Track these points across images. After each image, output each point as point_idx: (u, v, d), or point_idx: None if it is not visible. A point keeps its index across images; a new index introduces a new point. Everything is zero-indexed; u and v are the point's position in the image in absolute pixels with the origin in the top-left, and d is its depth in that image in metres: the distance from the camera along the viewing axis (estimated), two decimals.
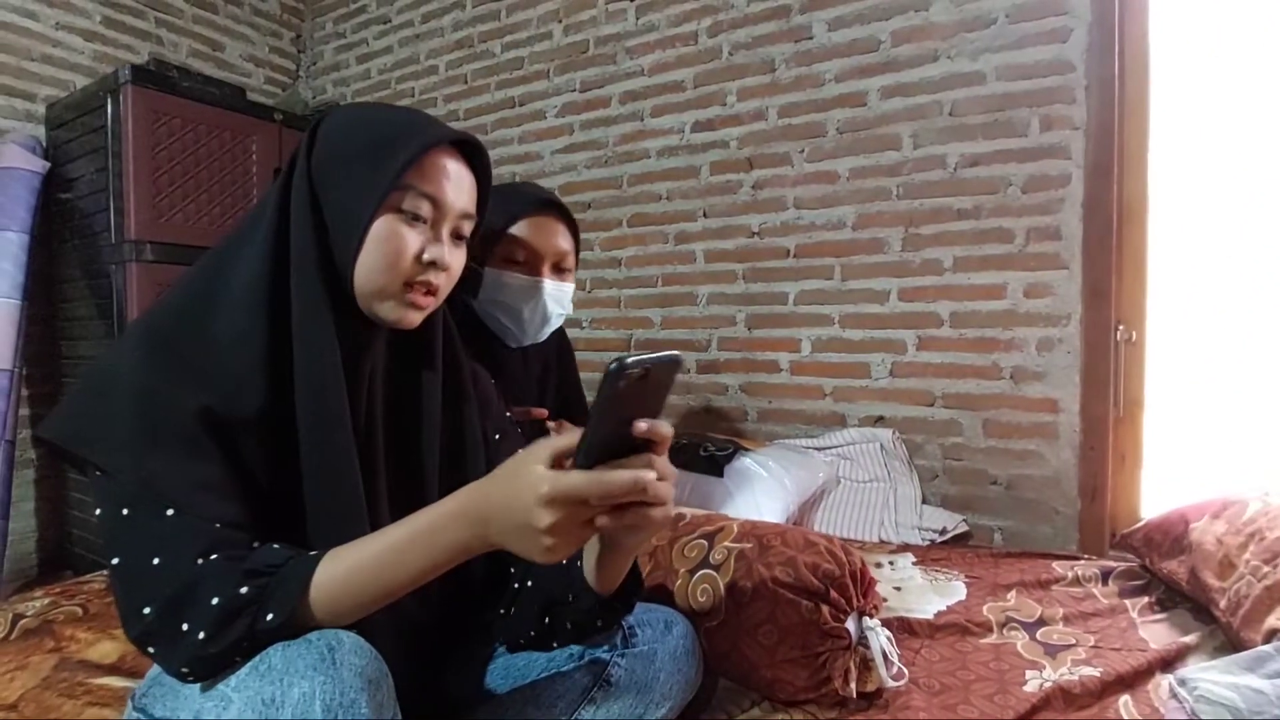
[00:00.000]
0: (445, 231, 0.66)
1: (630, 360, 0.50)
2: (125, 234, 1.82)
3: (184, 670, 0.54)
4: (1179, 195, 1.55)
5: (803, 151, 1.86)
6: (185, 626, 0.52)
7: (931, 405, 1.72)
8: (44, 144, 2.08)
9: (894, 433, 1.74)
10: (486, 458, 0.77)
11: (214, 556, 0.54)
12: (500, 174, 2.32)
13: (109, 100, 1.83)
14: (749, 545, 0.92)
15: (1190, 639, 1.00)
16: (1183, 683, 0.84)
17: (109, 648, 0.99)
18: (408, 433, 0.71)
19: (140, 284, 1.83)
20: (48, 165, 2.00)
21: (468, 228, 0.69)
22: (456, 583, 0.71)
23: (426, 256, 0.63)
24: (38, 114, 2.12)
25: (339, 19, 2.76)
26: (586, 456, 0.52)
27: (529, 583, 0.73)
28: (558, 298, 1.09)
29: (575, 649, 0.75)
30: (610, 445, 0.53)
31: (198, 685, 0.56)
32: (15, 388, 1.90)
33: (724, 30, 1.96)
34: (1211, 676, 0.81)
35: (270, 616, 0.53)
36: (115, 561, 0.56)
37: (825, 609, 0.84)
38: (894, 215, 1.75)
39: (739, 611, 0.87)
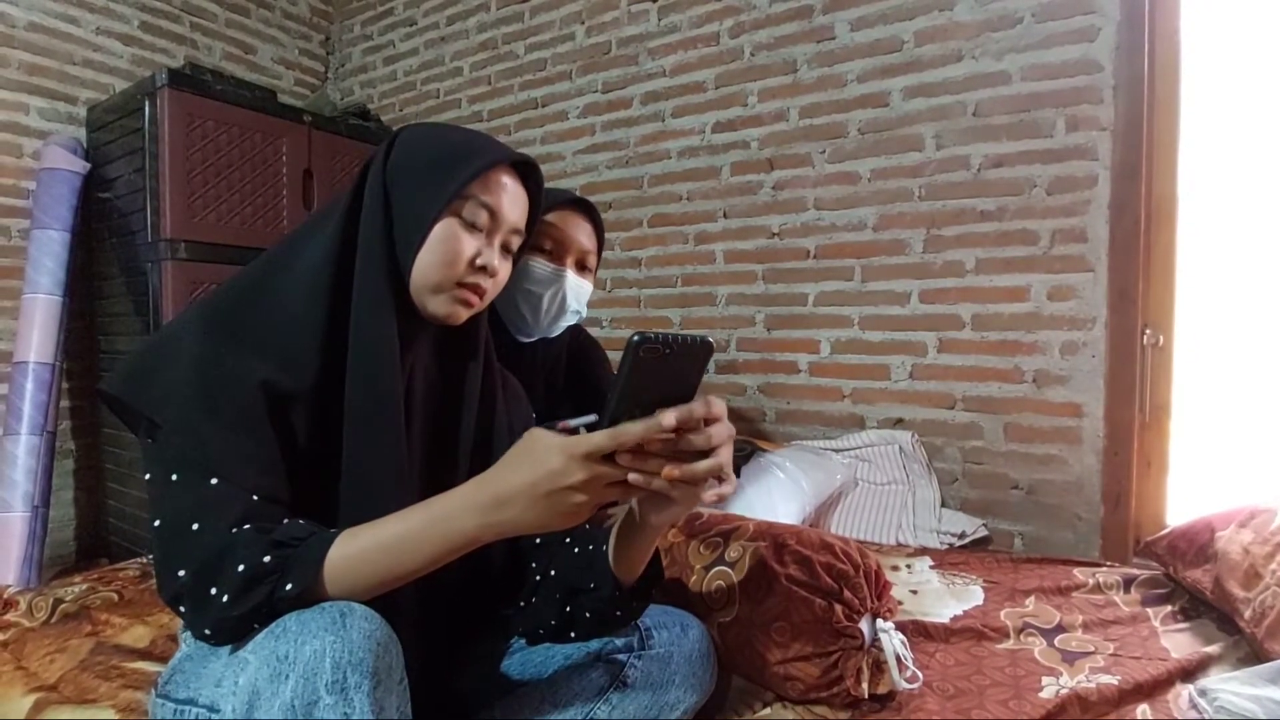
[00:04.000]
0: (498, 242, 0.71)
1: (652, 334, 0.50)
2: (161, 233, 1.88)
3: (207, 631, 0.57)
4: (1210, 196, 1.52)
5: (824, 152, 1.85)
6: (213, 590, 0.56)
7: (952, 408, 1.71)
8: (84, 145, 2.15)
9: (913, 435, 1.73)
10: None
11: (246, 526, 0.57)
12: None
13: (146, 103, 1.89)
14: (764, 544, 0.93)
15: (1213, 649, 0.98)
16: (1203, 693, 0.83)
17: (142, 632, 1.03)
18: (444, 424, 0.75)
19: (175, 281, 1.88)
20: (88, 166, 2.07)
21: (516, 242, 0.75)
22: (474, 575, 0.74)
23: (480, 261, 0.69)
24: (79, 116, 2.19)
25: (366, 21, 2.81)
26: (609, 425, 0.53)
27: (551, 572, 0.75)
28: (577, 293, 1.10)
29: (593, 648, 0.76)
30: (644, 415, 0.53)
31: (215, 664, 0.59)
32: (57, 381, 1.97)
33: (746, 31, 1.96)
34: (1232, 687, 0.80)
35: (289, 586, 0.55)
36: (157, 524, 0.59)
37: (839, 608, 0.85)
38: (916, 216, 1.74)
39: (753, 607, 0.88)
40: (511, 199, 0.71)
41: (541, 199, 0.76)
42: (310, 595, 0.56)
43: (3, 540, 1.83)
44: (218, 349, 0.62)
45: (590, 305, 2.25)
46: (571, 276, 1.07)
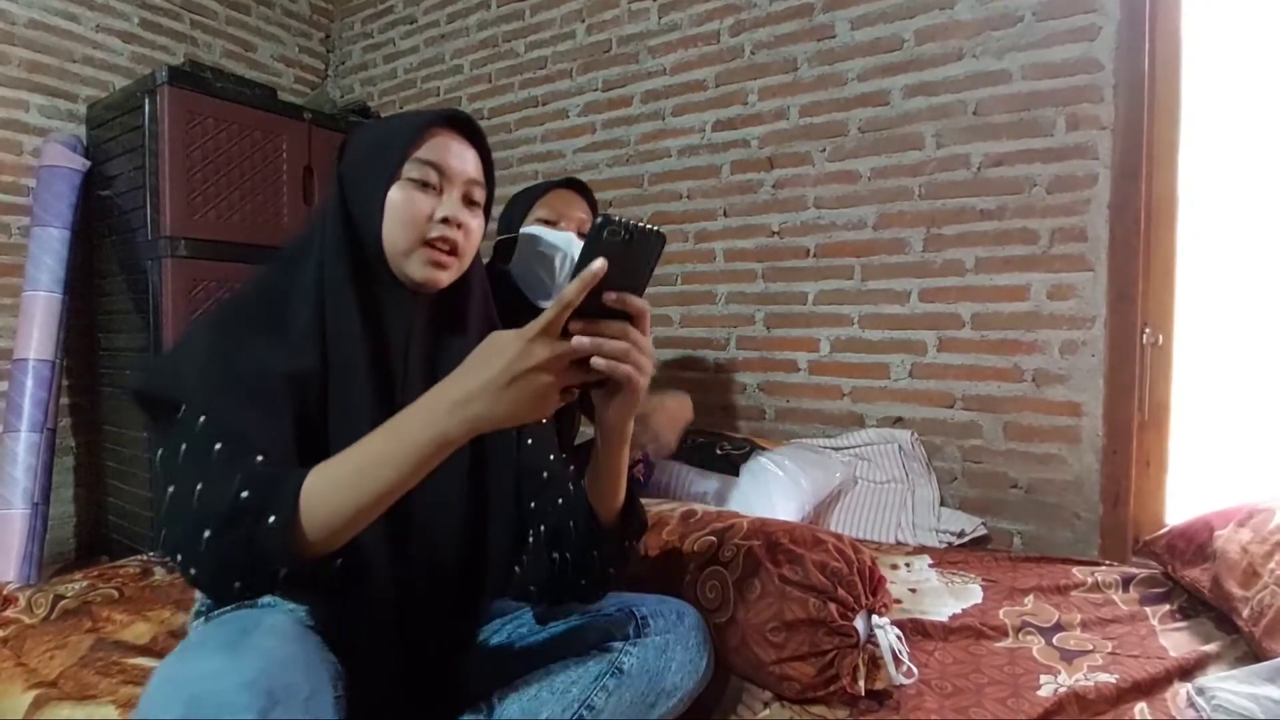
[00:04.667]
0: (456, 195, 0.74)
1: (616, 218, 0.54)
2: (161, 230, 1.88)
3: (193, 571, 0.57)
4: (1210, 196, 1.52)
5: (824, 151, 1.85)
6: (205, 533, 0.55)
7: (951, 407, 1.71)
8: (84, 143, 2.15)
9: (913, 434, 1.73)
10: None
11: (238, 475, 0.58)
12: (523, 172, 2.35)
13: (146, 100, 1.89)
14: (757, 542, 0.93)
15: (1211, 648, 0.98)
16: (1201, 691, 0.83)
17: (144, 629, 1.03)
18: None
19: (175, 279, 1.88)
20: (88, 163, 2.07)
21: (479, 193, 0.76)
22: (473, 563, 0.75)
23: (439, 214, 0.72)
24: (79, 114, 2.19)
25: (367, 19, 2.81)
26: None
27: (541, 528, 0.77)
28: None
29: (590, 635, 0.77)
30: (584, 310, 0.55)
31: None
32: (56, 378, 1.98)
33: (746, 29, 1.96)
34: (1230, 686, 0.80)
35: (271, 519, 0.55)
36: (171, 489, 0.59)
37: (833, 606, 0.85)
38: (916, 215, 1.74)
39: (747, 608, 0.88)
40: (455, 153, 0.74)
41: (487, 145, 0.78)
42: (295, 528, 0.55)
43: (3, 537, 1.83)
44: (232, 337, 0.66)
45: None
46: (574, 238, 1.22)
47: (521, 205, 1.30)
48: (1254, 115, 1.48)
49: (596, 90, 2.22)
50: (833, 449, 1.74)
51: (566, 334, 0.56)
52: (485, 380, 0.56)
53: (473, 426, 0.57)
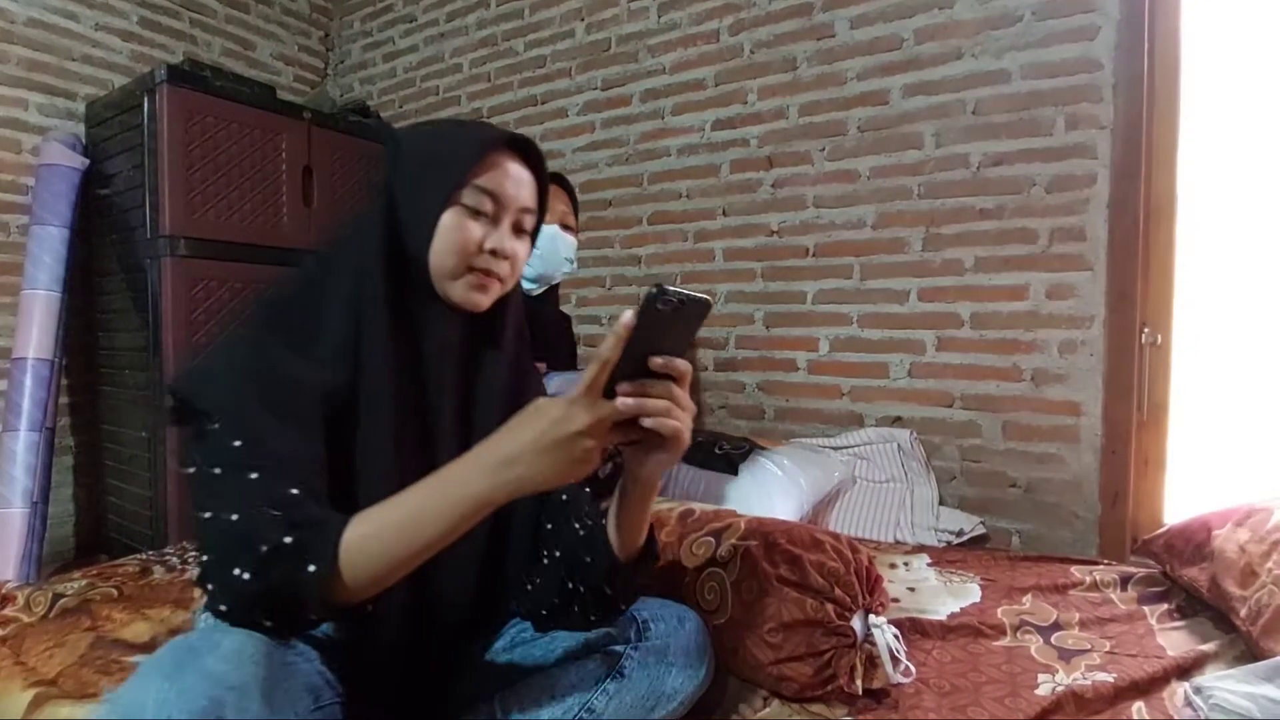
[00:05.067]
0: (506, 224, 0.73)
1: (670, 288, 0.55)
2: (160, 229, 1.88)
3: (223, 608, 0.57)
4: (1209, 195, 1.52)
5: (823, 150, 1.85)
6: (236, 570, 0.56)
7: (950, 406, 1.71)
8: (84, 141, 2.15)
9: (911, 433, 1.73)
10: None
11: (276, 512, 0.58)
12: None
13: (146, 99, 1.88)
14: (754, 543, 0.93)
15: (1209, 647, 0.99)
16: (1198, 690, 0.83)
17: (142, 628, 1.03)
18: (471, 412, 0.76)
19: (174, 278, 1.88)
20: (87, 162, 2.07)
21: (529, 221, 0.76)
22: (490, 578, 0.75)
23: (488, 245, 0.71)
24: (78, 112, 2.19)
25: (366, 18, 2.81)
26: (611, 376, 0.57)
27: (556, 553, 0.76)
28: (567, 244, 1.39)
29: (591, 639, 0.77)
30: (630, 372, 0.57)
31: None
32: (55, 377, 1.98)
33: (745, 28, 1.96)
34: (1227, 685, 0.80)
35: (311, 568, 0.56)
36: (205, 516, 0.59)
37: (830, 606, 0.85)
38: (915, 215, 1.74)
39: (745, 609, 0.88)
40: (513, 180, 0.72)
41: (545, 174, 0.77)
42: (334, 577, 0.56)
43: (2, 536, 1.83)
44: (268, 352, 0.65)
45: (591, 303, 2.27)
46: (558, 230, 1.35)
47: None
48: (1253, 115, 1.48)
49: (596, 89, 2.22)
50: (832, 448, 1.74)
51: (609, 393, 0.57)
52: (528, 442, 0.57)
53: (515, 489, 0.58)
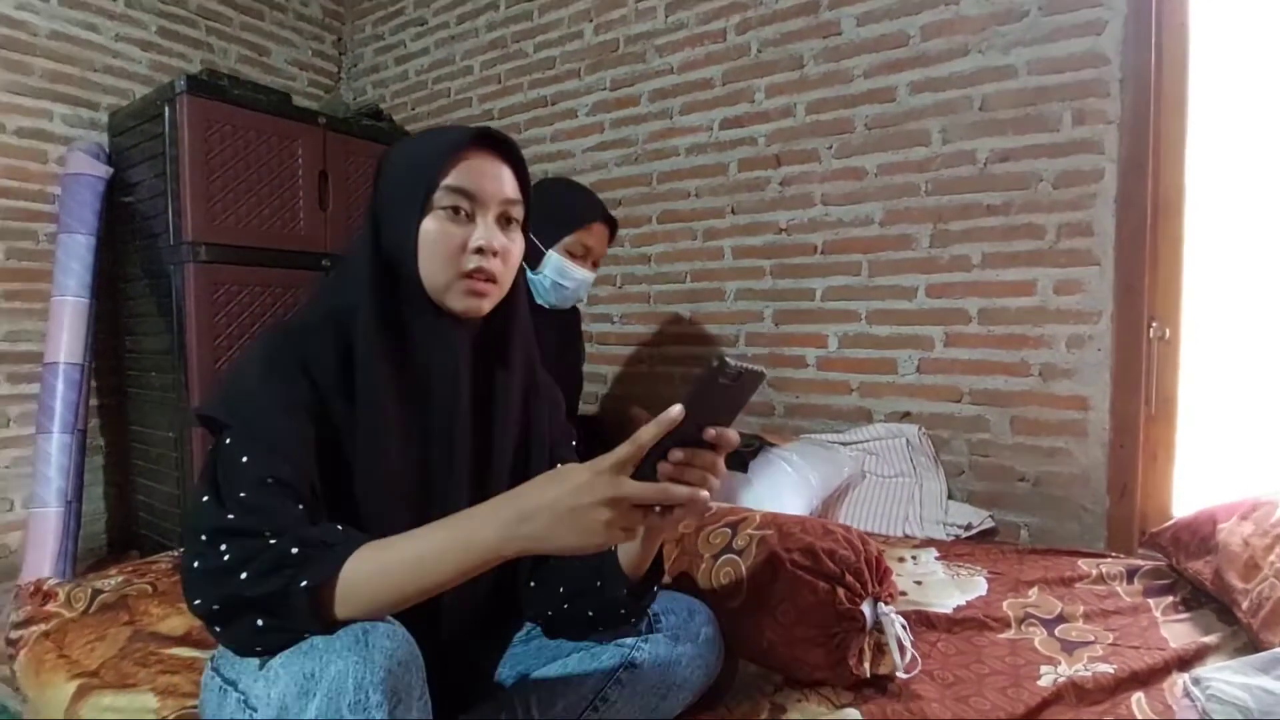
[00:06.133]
0: (490, 218, 0.71)
1: (731, 362, 0.57)
2: (182, 235, 1.93)
3: (215, 607, 0.58)
4: (1217, 189, 1.51)
5: (831, 148, 1.86)
6: (243, 575, 0.57)
7: (959, 401, 1.72)
8: (107, 150, 2.20)
9: (920, 428, 1.75)
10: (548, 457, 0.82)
11: (289, 519, 0.60)
12: (532, 172, 2.37)
13: (166, 109, 1.93)
14: (770, 532, 0.96)
15: (1211, 639, 1.00)
16: (1196, 682, 0.85)
17: (178, 622, 1.08)
18: (486, 426, 0.77)
19: (197, 282, 1.94)
20: (111, 171, 2.12)
21: (517, 211, 0.75)
22: (501, 583, 0.77)
23: (472, 243, 0.70)
24: (101, 122, 2.24)
25: (378, 21, 2.84)
26: (661, 441, 0.59)
27: (561, 563, 0.78)
28: (589, 285, 1.44)
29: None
30: (684, 438, 0.59)
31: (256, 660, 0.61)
32: (85, 380, 2.04)
33: (752, 27, 1.97)
34: (1225, 676, 0.82)
35: (304, 583, 0.56)
36: (206, 515, 0.61)
37: (841, 591, 0.88)
38: (922, 211, 1.75)
39: (759, 593, 0.91)
40: (489, 176, 0.71)
41: (523, 159, 0.76)
42: (320, 596, 0.57)
43: (39, 535, 1.90)
44: (274, 371, 0.66)
45: (601, 301, 2.32)
46: (590, 277, 1.42)
47: (558, 220, 1.36)
48: (1261, 108, 1.47)
49: (605, 89, 2.24)
50: (841, 444, 1.76)
51: (642, 470, 0.58)
52: (546, 503, 0.57)
53: (525, 546, 0.58)
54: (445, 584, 0.59)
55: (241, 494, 0.61)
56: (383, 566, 0.59)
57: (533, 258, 1.36)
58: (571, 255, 1.38)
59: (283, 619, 0.57)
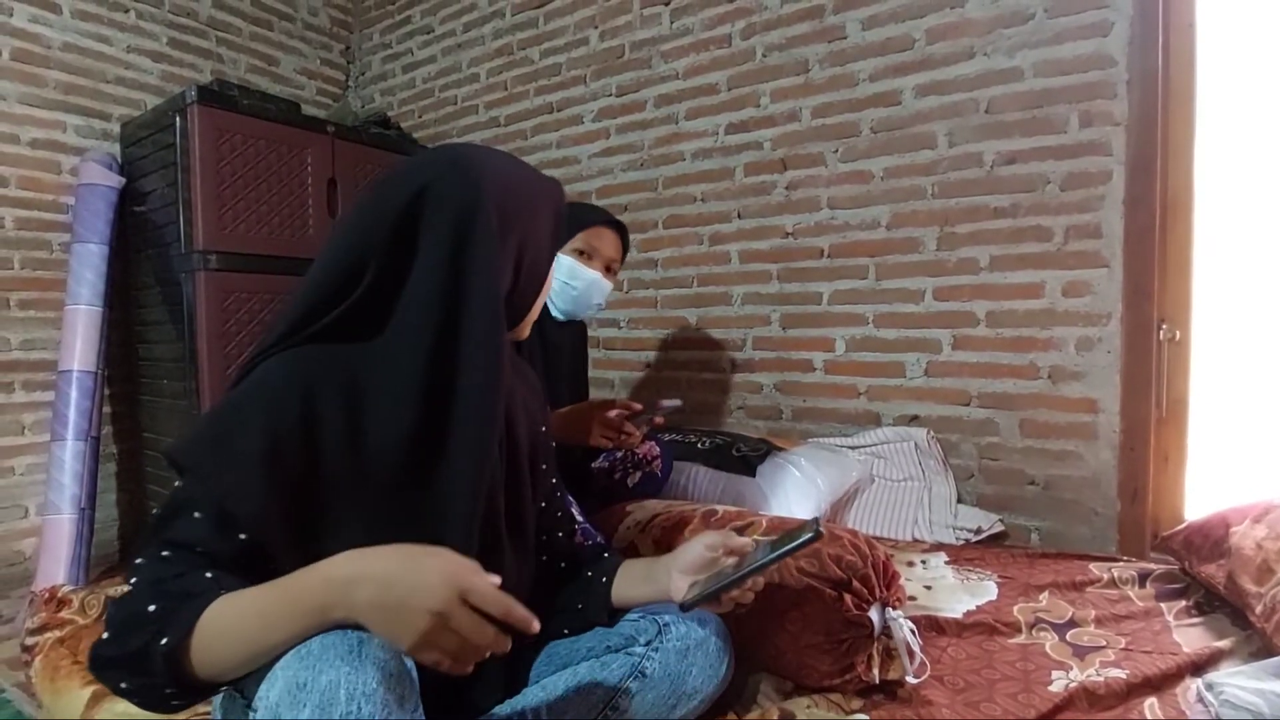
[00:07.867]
0: None
1: (821, 527, 0.72)
2: (194, 244, 1.95)
3: (90, 656, 0.58)
4: (1225, 190, 1.51)
5: (837, 151, 1.87)
6: (104, 634, 0.58)
7: (967, 405, 1.72)
8: (119, 160, 2.23)
9: (929, 432, 1.74)
10: None
11: (159, 579, 0.58)
12: None
13: (177, 119, 1.96)
14: (776, 538, 0.96)
15: (1224, 643, 0.99)
16: (1209, 686, 0.84)
17: None
18: (515, 439, 0.80)
19: (208, 291, 1.96)
20: (123, 181, 2.15)
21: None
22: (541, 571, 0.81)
23: None
24: (113, 133, 2.27)
25: (385, 30, 2.87)
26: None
27: (543, 556, 0.84)
28: (603, 290, 1.37)
29: (614, 641, 0.81)
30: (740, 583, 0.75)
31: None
32: (99, 388, 2.06)
33: (757, 32, 1.97)
34: (1238, 681, 0.81)
35: (164, 641, 0.55)
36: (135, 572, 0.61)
37: (848, 598, 0.88)
38: (929, 214, 1.75)
39: (767, 599, 0.91)
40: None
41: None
42: (180, 655, 0.55)
43: (53, 541, 1.92)
44: (272, 399, 0.65)
45: (609, 306, 2.30)
46: (601, 279, 1.35)
47: (579, 220, 1.35)
48: (1269, 108, 1.46)
49: (610, 95, 2.25)
50: (849, 448, 1.76)
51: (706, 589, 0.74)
52: (383, 572, 0.54)
53: (347, 614, 0.54)
54: (287, 644, 0.54)
55: (147, 551, 0.61)
56: (225, 621, 0.56)
57: None
58: (579, 254, 1.35)
59: (145, 681, 0.56)
